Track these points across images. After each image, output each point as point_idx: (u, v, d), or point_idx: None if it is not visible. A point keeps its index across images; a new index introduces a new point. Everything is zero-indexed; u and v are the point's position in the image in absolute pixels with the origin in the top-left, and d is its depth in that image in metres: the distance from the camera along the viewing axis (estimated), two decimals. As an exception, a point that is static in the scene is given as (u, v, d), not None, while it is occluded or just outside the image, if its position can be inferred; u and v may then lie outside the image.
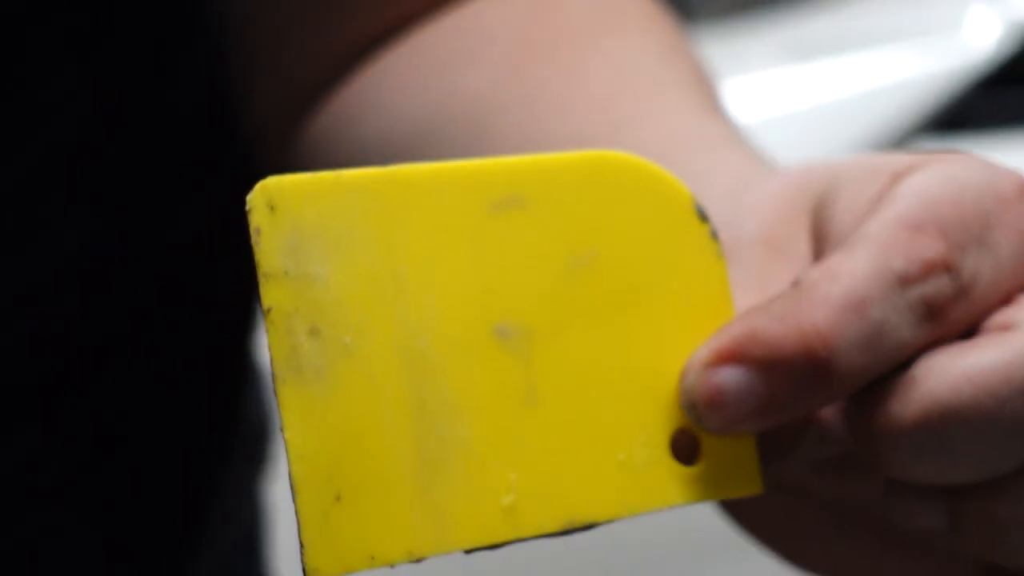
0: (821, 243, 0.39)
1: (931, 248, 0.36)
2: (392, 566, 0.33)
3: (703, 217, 0.37)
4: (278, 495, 0.75)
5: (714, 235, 0.37)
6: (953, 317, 0.36)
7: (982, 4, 1.75)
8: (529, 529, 0.35)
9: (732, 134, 0.47)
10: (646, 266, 0.36)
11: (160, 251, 0.61)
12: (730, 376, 0.36)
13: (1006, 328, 0.36)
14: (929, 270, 0.36)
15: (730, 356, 0.36)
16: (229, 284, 0.65)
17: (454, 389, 0.34)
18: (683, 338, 0.37)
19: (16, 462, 0.58)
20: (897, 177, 0.38)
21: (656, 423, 0.36)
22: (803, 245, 0.40)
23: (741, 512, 0.42)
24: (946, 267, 0.36)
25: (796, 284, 0.36)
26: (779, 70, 1.77)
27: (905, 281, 0.36)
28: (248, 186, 0.68)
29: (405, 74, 0.55)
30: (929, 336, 0.36)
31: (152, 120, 0.60)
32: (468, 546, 0.34)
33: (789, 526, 0.42)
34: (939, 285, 0.36)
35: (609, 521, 0.36)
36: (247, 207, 0.33)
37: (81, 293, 0.58)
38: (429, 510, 0.34)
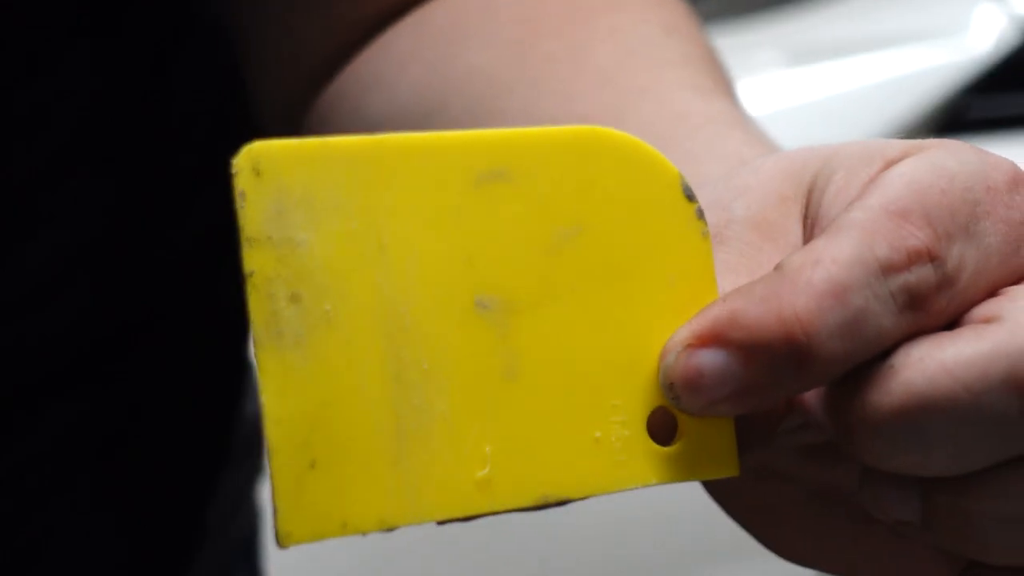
0: (812, 228, 0.39)
1: (916, 237, 0.36)
2: (364, 534, 0.33)
3: (690, 196, 0.37)
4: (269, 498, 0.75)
5: (700, 214, 0.37)
6: (936, 307, 0.36)
7: (986, 2, 1.75)
8: (502, 503, 0.35)
9: (735, 114, 0.47)
10: (630, 243, 0.36)
11: (161, 252, 0.61)
12: (709, 358, 0.36)
13: (988, 321, 0.36)
14: (913, 259, 0.36)
15: (710, 338, 0.35)
16: (229, 286, 0.65)
17: (432, 360, 0.34)
18: (665, 317, 0.37)
19: (16, 462, 0.58)
20: (890, 163, 0.38)
21: (634, 402, 0.36)
22: (794, 229, 0.40)
23: (725, 497, 0.42)
24: (930, 256, 0.36)
25: (779, 268, 0.36)
26: (779, 70, 1.77)
27: (888, 269, 0.36)
28: None
29: (409, 50, 0.55)
30: (911, 325, 0.36)
31: (154, 120, 0.60)
32: (441, 517, 0.34)
33: (769, 513, 0.42)
34: (922, 274, 0.36)
35: (583, 498, 0.36)
36: (232, 170, 0.34)
37: (84, 292, 0.58)
38: (403, 480, 0.34)
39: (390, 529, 0.34)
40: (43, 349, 0.58)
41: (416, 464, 0.34)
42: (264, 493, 0.72)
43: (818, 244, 0.36)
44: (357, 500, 0.33)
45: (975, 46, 1.69)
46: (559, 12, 0.53)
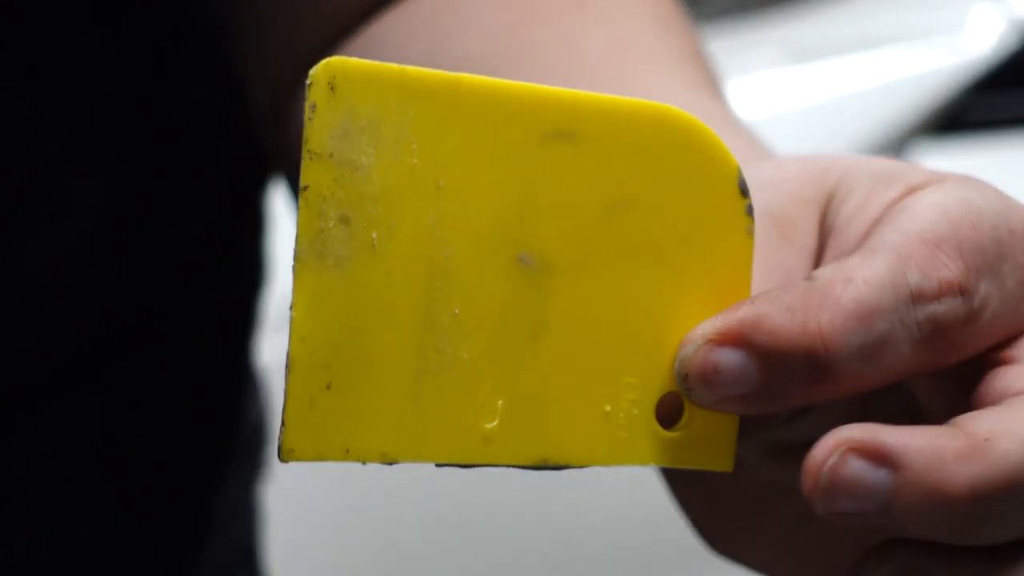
0: (827, 237, 0.39)
1: (948, 268, 0.36)
2: (363, 463, 0.34)
3: (744, 191, 0.37)
4: (271, 500, 0.75)
5: (749, 211, 0.37)
6: (956, 341, 0.36)
7: (985, 3, 1.75)
8: (503, 457, 0.35)
9: (728, 114, 0.47)
10: (678, 227, 0.37)
11: (161, 252, 0.61)
12: (728, 357, 0.36)
13: None
14: (944, 290, 0.36)
15: (732, 337, 0.36)
16: (232, 288, 0.65)
17: (465, 307, 0.35)
18: (694, 305, 0.37)
19: (16, 462, 0.58)
20: (913, 189, 0.38)
21: (648, 383, 0.37)
22: (810, 232, 0.40)
23: (673, 475, 0.42)
24: (960, 289, 0.36)
25: (811, 279, 0.36)
26: (778, 70, 1.77)
27: (918, 297, 0.36)
28: (251, 189, 0.68)
29: (401, 37, 0.55)
30: (927, 358, 0.36)
31: (154, 120, 0.60)
32: (442, 460, 0.35)
33: (716, 501, 0.42)
34: (950, 307, 0.36)
35: (580, 467, 0.36)
36: (308, 81, 0.33)
37: (84, 292, 0.58)
38: (413, 418, 0.34)
39: (390, 462, 0.34)
40: (43, 349, 0.58)
41: (429, 405, 0.34)
42: (266, 495, 0.72)
43: (852, 262, 0.36)
44: (365, 429, 0.34)
45: (975, 47, 1.69)
46: (551, 2, 0.53)
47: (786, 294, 0.36)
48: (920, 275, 0.36)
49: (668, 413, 0.37)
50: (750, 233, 0.37)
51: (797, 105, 1.70)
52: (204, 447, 0.66)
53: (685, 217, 0.37)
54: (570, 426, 0.36)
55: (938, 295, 0.36)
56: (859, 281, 0.36)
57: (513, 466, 0.36)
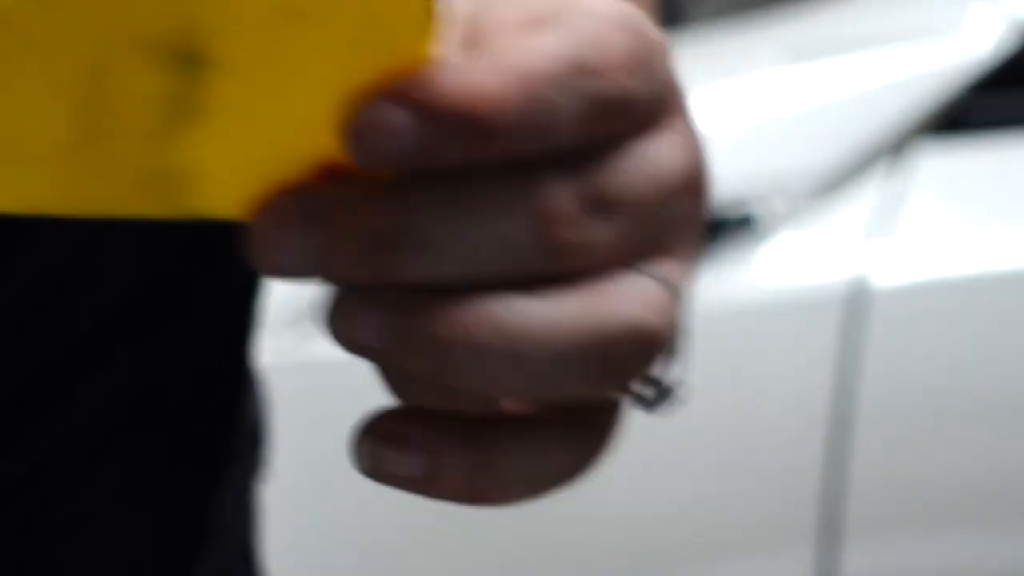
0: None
1: (621, 46, 0.36)
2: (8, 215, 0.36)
3: None
4: (271, 500, 0.75)
5: (428, 13, 0.36)
6: (615, 121, 0.36)
7: (985, 3, 1.75)
8: (134, 210, 0.37)
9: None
10: (357, 20, 0.36)
11: (165, 249, 0.62)
12: (390, 112, 0.35)
13: None
14: (613, 68, 0.36)
15: (395, 95, 0.35)
16: (232, 288, 0.65)
17: (123, 101, 0.35)
18: (366, 79, 0.37)
19: (19, 464, 0.59)
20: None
21: (310, 152, 0.37)
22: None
23: None
24: (629, 71, 0.36)
25: (481, 48, 0.36)
26: (778, 70, 1.78)
27: (588, 72, 0.36)
28: None
29: None
30: (588, 132, 0.36)
31: None
32: (78, 214, 0.37)
33: None
34: (617, 85, 0.36)
35: (222, 220, 0.37)
36: None
37: (88, 290, 0.58)
38: (61, 182, 0.36)
39: (31, 214, 0.36)
40: (42, 350, 0.58)
41: (75, 184, 0.36)
42: (266, 495, 0.72)
43: (524, 32, 0.36)
44: (11, 198, 0.36)
45: (975, 47, 1.70)
46: None
47: (454, 57, 0.35)
48: (592, 50, 0.36)
49: (332, 178, 0.37)
50: (428, 31, 0.36)
51: (797, 105, 1.71)
52: (204, 447, 0.66)
53: (366, 12, 0.36)
54: (221, 191, 0.36)
55: (607, 72, 0.36)
56: (529, 48, 0.35)
57: (146, 219, 0.37)
